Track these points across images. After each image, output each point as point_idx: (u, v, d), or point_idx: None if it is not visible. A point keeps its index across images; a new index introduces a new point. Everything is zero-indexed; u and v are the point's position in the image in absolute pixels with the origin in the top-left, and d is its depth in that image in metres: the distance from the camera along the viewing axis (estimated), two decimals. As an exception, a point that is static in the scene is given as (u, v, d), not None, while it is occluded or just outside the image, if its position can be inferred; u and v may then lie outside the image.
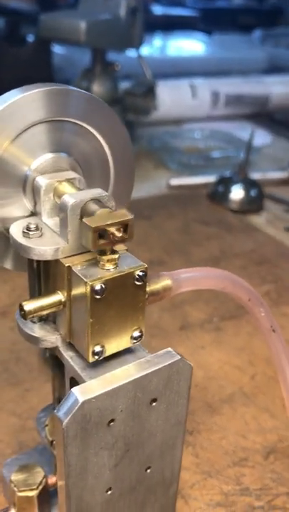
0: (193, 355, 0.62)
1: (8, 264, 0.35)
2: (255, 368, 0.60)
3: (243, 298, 0.38)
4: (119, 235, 0.28)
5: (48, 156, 0.33)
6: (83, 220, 0.29)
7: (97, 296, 0.29)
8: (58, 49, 1.50)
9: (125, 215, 0.29)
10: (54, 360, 0.38)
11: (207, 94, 1.42)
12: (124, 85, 1.15)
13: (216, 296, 0.71)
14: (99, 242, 0.29)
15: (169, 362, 0.32)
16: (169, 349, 0.33)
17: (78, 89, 0.33)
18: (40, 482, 0.40)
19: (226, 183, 0.98)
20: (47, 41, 1.33)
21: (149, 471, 0.35)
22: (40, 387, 0.56)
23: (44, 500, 0.40)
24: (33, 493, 0.39)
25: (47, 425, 0.40)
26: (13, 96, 0.31)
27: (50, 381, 0.56)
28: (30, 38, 1.37)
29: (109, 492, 0.34)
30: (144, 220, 0.90)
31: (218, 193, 0.98)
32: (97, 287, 0.29)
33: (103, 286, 0.29)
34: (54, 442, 0.39)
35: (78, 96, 0.33)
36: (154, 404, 0.32)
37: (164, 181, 1.07)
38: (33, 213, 0.34)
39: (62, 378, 0.38)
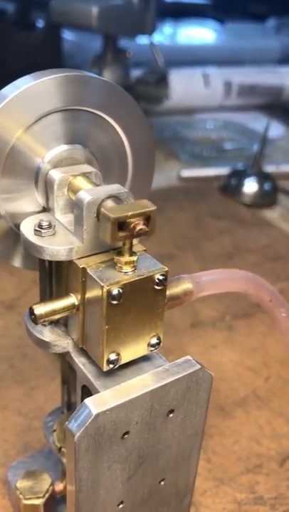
0: (204, 355, 0.60)
1: (16, 262, 0.33)
2: (270, 369, 0.58)
3: (264, 299, 0.36)
4: (141, 226, 0.26)
5: (63, 148, 0.31)
6: (102, 210, 0.26)
7: (114, 302, 0.27)
8: (67, 35, 1.47)
9: (147, 205, 0.27)
10: (64, 363, 0.36)
11: (220, 84, 1.38)
12: (135, 73, 1.12)
13: (227, 293, 0.69)
14: (118, 235, 0.26)
15: (189, 372, 0.30)
16: (189, 357, 0.31)
17: (97, 76, 0.31)
18: (47, 490, 0.38)
19: (239, 175, 0.96)
20: (57, 26, 1.30)
21: (162, 483, 0.33)
22: (47, 385, 0.54)
23: (50, 507, 0.39)
24: (40, 502, 0.38)
25: (55, 430, 0.38)
26: (27, 82, 0.29)
27: (57, 379, 0.54)
28: (40, 23, 1.34)
29: (121, 506, 0.32)
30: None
31: (230, 186, 0.95)
32: (115, 292, 0.27)
33: (120, 290, 0.27)
34: (62, 449, 0.37)
35: (97, 83, 0.31)
36: (171, 415, 0.30)
37: (174, 173, 1.05)
38: (45, 209, 0.32)
39: (72, 382, 0.36)
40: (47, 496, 0.38)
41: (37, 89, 0.29)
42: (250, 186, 0.93)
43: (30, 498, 0.38)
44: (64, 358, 0.34)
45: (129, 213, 0.26)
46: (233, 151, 1.12)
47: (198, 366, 0.30)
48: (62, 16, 1.02)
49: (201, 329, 0.64)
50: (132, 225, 0.26)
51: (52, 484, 0.39)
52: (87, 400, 0.27)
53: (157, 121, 1.27)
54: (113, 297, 0.27)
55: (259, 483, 0.46)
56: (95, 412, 0.27)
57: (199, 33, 1.94)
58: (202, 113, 1.36)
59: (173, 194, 0.97)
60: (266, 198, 0.94)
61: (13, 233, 0.31)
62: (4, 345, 0.58)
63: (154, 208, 0.27)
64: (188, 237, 0.83)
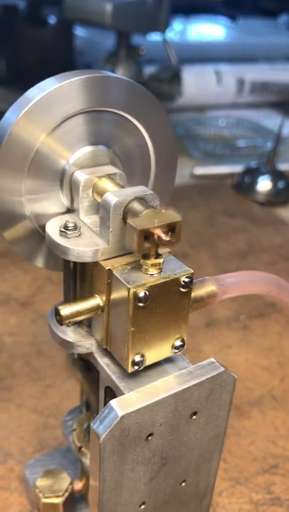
0: (219, 355, 0.60)
1: (39, 263, 0.33)
2: (285, 370, 0.58)
3: (287, 301, 0.35)
4: (166, 238, 0.26)
5: (87, 149, 0.31)
6: (128, 221, 0.26)
7: (140, 304, 0.27)
8: (79, 31, 1.47)
9: (173, 216, 0.27)
10: (84, 363, 0.36)
11: (232, 81, 1.38)
12: (148, 70, 1.12)
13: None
14: (144, 245, 0.26)
15: (212, 374, 0.30)
16: (212, 360, 0.31)
17: (118, 76, 0.31)
18: (66, 489, 0.38)
19: (252, 173, 0.95)
20: (69, 23, 1.29)
21: (184, 484, 0.33)
22: (62, 383, 0.54)
23: (69, 506, 0.39)
24: (59, 500, 0.38)
25: (75, 429, 0.38)
26: (51, 85, 0.29)
27: (72, 377, 0.54)
28: (52, 20, 1.34)
29: (143, 506, 0.32)
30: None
31: (244, 184, 0.95)
32: (141, 294, 0.27)
33: (147, 293, 0.27)
34: (82, 448, 0.37)
35: (119, 83, 0.31)
36: (194, 417, 0.30)
37: (187, 170, 1.04)
38: (70, 210, 0.32)
39: (91, 382, 0.36)
40: (66, 494, 0.38)
41: (61, 92, 0.29)
42: (264, 184, 0.93)
43: (49, 497, 0.38)
44: (84, 358, 0.34)
45: (156, 224, 0.26)
46: (246, 148, 1.12)
47: (222, 369, 0.30)
48: (76, 13, 1.02)
49: (216, 329, 0.64)
50: (158, 235, 0.26)
51: (71, 483, 0.39)
52: (113, 402, 0.27)
53: (171, 123, 1.26)
54: (139, 299, 0.27)
55: (275, 484, 0.46)
56: (120, 413, 0.27)
57: (210, 30, 1.93)
58: (214, 110, 1.36)
59: (186, 192, 0.97)
60: (280, 196, 0.93)
61: (38, 234, 0.31)
62: (19, 343, 0.58)
63: (179, 218, 0.27)
64: (201, 236, 0.83)
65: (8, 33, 1.28)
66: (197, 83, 1.33)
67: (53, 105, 0.29)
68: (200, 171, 1.02)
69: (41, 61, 1.27)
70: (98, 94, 0.30)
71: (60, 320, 0.28)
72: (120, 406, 0.27)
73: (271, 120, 1.31)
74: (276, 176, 0.94)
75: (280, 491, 0.46)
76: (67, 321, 0.29)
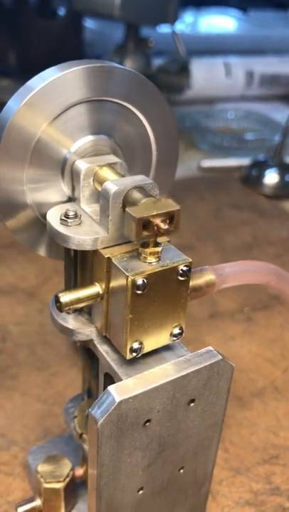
0: (222, 346, 0.60)
1: (41, 251, 0.34)
2: (288, 361, 0.58)
3: (286, 291, 0.36)
4: (164, 227, 0.26)
5: (89, 139, 0.31)
6: (126, 209, 0.27)
7: (138, 292, 0.27)
8: (89, 23, 1.46)
9: (171, 205, 0.27)
10: (85, 351, 0.37)
11: (241, 74, 1.37)
12: (157, 62, 1.12)
13: (247, 285, 0.68)
14: (142, 234, 0.27)
15: (210, 362, 0.30)
16: (210, 348, 0.31)
17: (122, 67, 0.31)
18: (68, 474, 0.39)
19: (260, 166, 0.95)
20: (79, 15, 1.29)
21: (182, 471, 0.34)
22: (66, 371, 0.55)
23: (70, 491, 0.40)
24: (60, 486, 0.38)
25: (76, 416, 0.39)
26: (53, 74, 0.29)
27: (76, 366, 0.55)
28: (62, 12, 1.34)
29: (141, 492, 0.32)
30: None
31: (251, 177, 0.95)
32: (139, 282, 0.27)
33: (145, 280, 0.27)
34: (84, 435, 0.38)
35: (122, 74, 0.31)
36: (191, 404, 0.31)
37: (195, 163, 1.04)
38: (71, 199, 0.32)
39: (92, 369, 0.37)
40: (67, 480, 0.39)
41: (63, 80, 0.29)
42: (271, 177, 0.93)
43: (50, 482, 0.38)
44: (85, 346, 0.35)
45: (154, 213, 0.26)
46: (254, 141, 1.11)
47: (220, 357, 0.30)
48: (85, 5, 1.02)
49: (220, 320, 0.64)
50: (156, 224, 0.27)
51: (72, 469, 0.39)
52: (111, 388, 0.28)
53: (178, 111, 1.26)
54: (138, 287, 0.27)
55: (275, 474, 0.47)
56: (118, 399, 0.27)
57: (221, 22, 1.92)
58: (223, 103, 1.35)
59: (193, 184, 0.97)
60: (287, 190, 0.93)
61: (40, 223, 0.32)
62: (25, 333, 0.59)
63: (177, 207, 0.27)
64: (208, 228, 0.83)
65: (18, 25, 1.28)
66: (206, 75, 1.33)
67: (54, 94, 0.29)
68: (207, 163, 1.02)
69: (51, 53, 1.27)
70: (100, 84, 0.30)
71: (60, 307, 0.29)
72: (118, 392, 0.27)
73: (280, 113, 1.30)
74: (284, 169, 0.94)
75: (280, 481, 0.46)
76: (67, 308, 0.29)
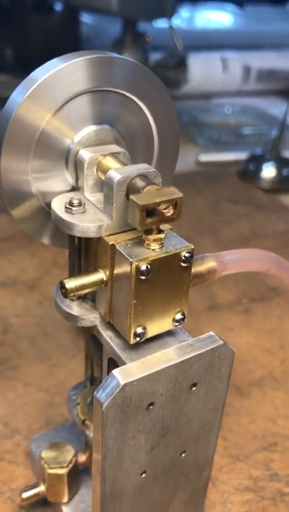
0: (221, 337, 0.61)
1: (45, 240, 0.34)
2: (286, 351, 0.59)
3: (286, 281, 0.36)
4: (169, 213, 0.27)
5: (92, 129, 0.32)
6: (131, 197, 0.27)
7: (142, 277, 0.28)
8: (86, 18, 1.47)
9: (174, 192, 0.28)
10: (88, 338, 0.37)
11: (238, 68, 1.38)
12: (154, 57, 1.12)
13: (245, 276, 0.70)
14: (146, 221, 0.27)
15: (212, 347, 0.31)
16: (212, 333, 0.32)
17: (123, 57, 0.32)
18: (71, 460, 0.39)
19: (257, 160, 0.96)
20: (75, 10, 1.29)
21: (183, 455, 0.35)
22: (68, 362, 0.55)
23: (73, 477, 0.40)
24: (64, 471, 0.39)
25: (79, 403, 0.40)
26: (55, 66, 0.29)
27: (77, 356, 0.56)
28: (58, 7, 1.34)
29: (144, 475, 0.33)
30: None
31: (248, 171, 0.96)
32: (143, 268, 0.28)
33: (149, 266, 0.28)
34: (86, 421, 0.38)
35: (123, 64, 0.31)
36: (193, 388, 0.31)
37: (192, 157, 1.05)
38: (74, 188, 0.33)
39: (95, 356, 0.37)
40: (70, 466, 0.39)
41: (65, 72, 0.29)
42: (269, 171, 0.94)
43: (54, 468, 0.39)
44: (89, 333, 0.35)
45: (157, 200, 0.27)
46: (251, 136, 1.12)
47: (221, 342, 0.31)
48: (82, 0, 1.02)
49: (219, 312, 0.65)
50: (160, 212, 0.27)
51: (75, 455, 0.40)
52: (115, 371, 0.28)
53: (175, 106, 1.26)
54: (141, 273, 0.28)
55: (274, 461, 0.47)
56: (122, 382, 0.28)
57: (218, 17, 1.92)
58: (220, 98, 1.36)
59: (191, 178, 0.97)
60: (284, 184, 0.94)
61: (44, 211, 0.32)
62: (26, 324, 0.60)
63: (180, 195, 0.28)
64: (205, 222, 0.84)
65: (15, 21, 1.28)
66: (203, 70, 1.33)
67: (57, 85, 0.29)
68: (205, 158, 1.03)
69: (47, 48, 1.27)
70: (102, 74, 0.31)
71: (65, 293, 0.29)
72: (122, 375, 0.28)
73: (277, 108, 1.31)
74: (281, 163, 0.94)
75: (279, 468, 0.47)
76: (72, 294, 0.30)
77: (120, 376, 0.28)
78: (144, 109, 0.33)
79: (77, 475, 0.41)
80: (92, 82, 0.30)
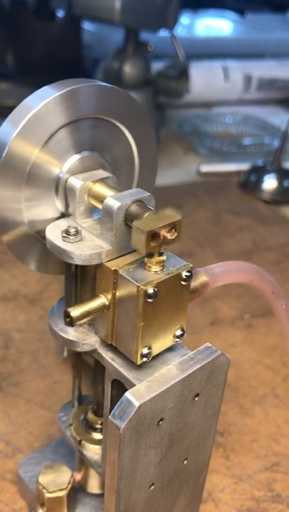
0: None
1: (32, 266, 0.35)
2: (288, 368, 0.59)
3: (267, 291, 0.38)
4: (171, 237, 0.28)
5: (76, 157, 0.32)
6: (134, 223, 0.28)
7: (150, 300, 0.28)
8: (87, 25, 1.47)
9: (174, 216, 0.29)
10: (74, 360, 0.38)
11: (239, 77, 1.38)
12: (156, 66, 1.12)
13: (246, 291, 0.69)
14: (151, 245, 0.28)
15: (211, 358, 0.32)
16: (208, 344, 0.33)
17: (86, 82, 0.31)
18: (69, 481, 0.39)
19: (258, 171, 0.96)
20: (77, 18, 1.29)
21: (185, 462, 0.35)
22: (70, 379, 0.55)
23: (71, 497, 0.40)
24: (63, 493, 0.39)
25: (71, 424, 0.40)
26: (36, 104, 0.30)
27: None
28: (60, 14, 1.34)
29: (152, 487, 0.34)
30: (174, 208, 0.89)
31: (250, 182, 0.95)
32: (150, 291, 0.28)
33: (156, 289, 0.28)
34: (82, 441, 0.38)
35: (87, 89, 0.31)
36: (196, 399, 0.32)
37: (193, 167, 1.05)
38: (64, 214, 0.33)
39: (83, 377, 0.39)
40: (69, 487, 0.39)
41: (44, 110, 0.30)
42: (270, 183, 0.93)
43: (54, 491, 0.39)
44: (76, 353, 0.36)
45: (160, 225, 0.28)
46: (252, 146, 1.12)
47: (219, 352, 0.32)
48: (85, 9, 1.02)
49: (221, 327, 0.64)
50: (162, 235, 0.28)
51: (72, 475, 0.40)
52: (128, 394, 0.29)
53: (176, 115, 1.27)
54: (149, 296, 0.28)
55: (277, 481, 0.47)
56: (137, 403, 0.28)
57: (218, 25, 1.92)
58: (221, 107, 1.36)
59: (192, 189, 0.97)
60: (286, 195, 0.94)
61: (33, 238, 0.33)
62: (28, 339, 0.59)
63: (179, 217, 0.29)
64: (207, 234, 0.84)
65: (17, 27, 1.28)
66: (204, 79, 1.33)
67: (39, 123, 0.30)
68: (206, 168, 1.03)
69: (49, 55, 1.27)
70: (73, 106, 0.31)
71: (71, 322, 0.29)
72: (136, 397, 0.29)
73: (278, 117, 1.31)
74: (282, 174, 0.94)
75: (281, 489, 0.46)
76: (78, 322, 0.30)
77: (134, 398, 0.29)
78: (119, 126, 0.34)
79: (75, 494, 0.41)
80: (66, 117, 0.31)
